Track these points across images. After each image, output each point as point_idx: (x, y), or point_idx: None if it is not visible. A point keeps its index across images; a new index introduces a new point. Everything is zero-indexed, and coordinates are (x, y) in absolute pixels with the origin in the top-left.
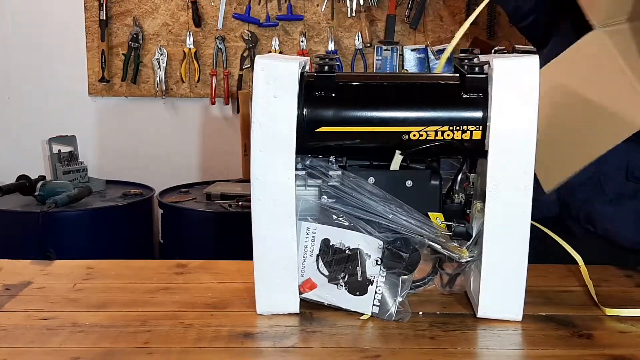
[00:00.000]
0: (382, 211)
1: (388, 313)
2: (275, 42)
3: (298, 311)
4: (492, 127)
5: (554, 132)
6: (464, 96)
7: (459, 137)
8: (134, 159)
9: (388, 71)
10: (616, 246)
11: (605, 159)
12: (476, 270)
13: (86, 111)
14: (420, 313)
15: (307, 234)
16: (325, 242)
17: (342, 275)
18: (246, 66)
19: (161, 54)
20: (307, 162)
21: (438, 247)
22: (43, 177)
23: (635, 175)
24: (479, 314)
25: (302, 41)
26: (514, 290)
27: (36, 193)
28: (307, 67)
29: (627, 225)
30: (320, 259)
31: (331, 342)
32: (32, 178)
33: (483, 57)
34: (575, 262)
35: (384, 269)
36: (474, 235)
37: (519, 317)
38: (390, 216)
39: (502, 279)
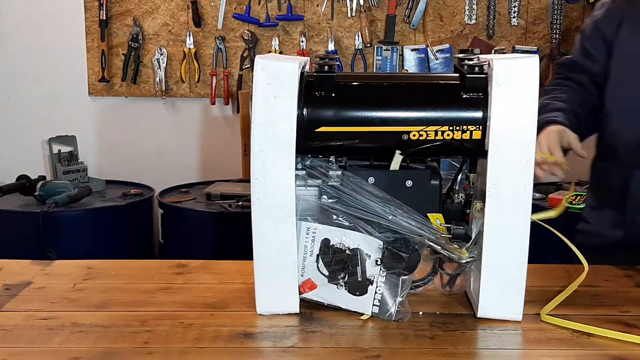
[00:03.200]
0: (381, 212)
1: (388, 313)
2: (275, 42)
3: (298, 311)
4: (492, 127)
5: None
6: (464, 96)
7: (459, 137)
8: (134, 159)
9: (388, 71)
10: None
11: None
12: (476, 270)
13: (86, 111)
14: (420, 313)
15: (307, 234)
16: (325, 242)
17: (342, 275)
18: (246, 66)
19: (161, 54)
20: (307, 162)
21: (438, 247)
22: (43, 177)
23: None
24: (479, 314)
25: (302, 41)
26: (514, 290)
27: (36, 193)
28: (307, 67)
29: None
30: (320, 259)
31: (331, 342)
32: (32, 178)
33: (483, 57)
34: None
35: (383, 269)
36: (473, 236)
37: (519, 317)
38: (390, 217)
39: (502, 278)
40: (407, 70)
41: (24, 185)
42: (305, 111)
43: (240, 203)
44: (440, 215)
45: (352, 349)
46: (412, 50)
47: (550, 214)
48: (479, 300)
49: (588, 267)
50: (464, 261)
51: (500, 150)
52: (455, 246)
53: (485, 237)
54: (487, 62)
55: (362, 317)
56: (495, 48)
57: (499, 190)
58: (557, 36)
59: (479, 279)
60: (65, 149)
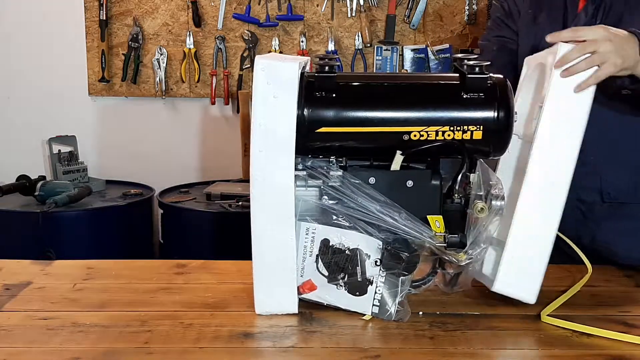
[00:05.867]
0: (381, 216)
1: (388, 313)
2: (275, 42)
3: (297, 311)
4: (546, 109)
5: None
6: (464, 96)
7: (460, 137)
8: (134, 159)
9: (388, 71)
10: (616, 265)
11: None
12: (498, 248)
13: (86, 111)
14: (420, 313)
15: (307, 234)
16: (325, 242)
17: (341, 275)
18: (246, 66)
19: (161, 54)
20: (309, 163)
21: (437, 251)
22: (43, 177)
23: (611, 196)
24: (495, 287)
25: (302, 41)
26: (534, 272)
27: (36, 193)
28: (307, 67)
29: (620, 244)
30: (319, 260)
31: (331, 342)
32: (32, 178)
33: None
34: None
35: (383, 270)
36: (471, 238)
37: (533, 299)
38: (390, 221)
39: (525, 257)
40: (406, 70)
41: (24, 185)
42: (305, 111)
43: (240, 203)
44: (440, 217)
45: (352, 349)
46: (412, 50)
47: None
48: (498, 273)
49: (591, 269)
50: (463, 264)
51: (550, 131)
52: (453, 251)
53: (518, 213)
54: (489, 62)
55: (364, 318)
56: None
57: (541, 172)
58: None
59: (495, 255)
60: (65, 149)
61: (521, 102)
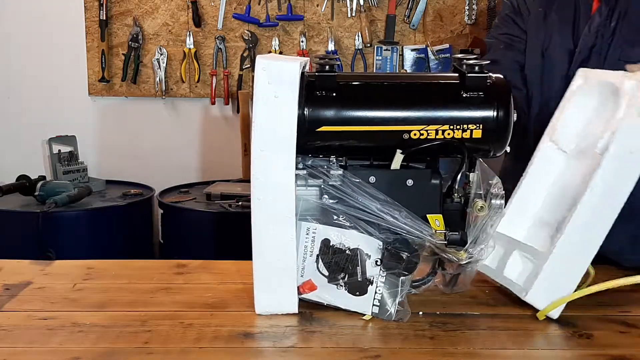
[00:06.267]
0: (381, 214)
1: (388, 313)
2: (275, 42)
3: (297, 311)
4: (619, 134)
5: None
6: (464, 95)
7: (460, 136)
8: (134, 159)
9: (388, 71)
10: (618, 267)
11: None
12: (532, 258)
13: (86, 111)
14: (420, 313)
15: (307, 234)
16: (325, 242)
17: (342, 275)
18: (246, 66)
19: (161, 54)
20: (309, 162)
21: (437, 250)
22: (43, 177)
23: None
24: (527, 298)
25: (302, 41)
26: (566, 287)
27: (36, 193)
28: (307, 67)
29: (630, 250)
30: (320, 259)
31: (331, 342)
32: (32, 178)
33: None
34: None
35: (383, 270)
36: (472, 237)
37: (556, 315)
38: (390, 219)
39: (564, 272)
40: (406, 70)
41: (24, 185)
42: (306, 111)
43: (240, 203)
44: (440, 216)
45: (352, 349)
46: (412, 50)
47: None
48: (533, 285)
49: (594, 272)
50: (463, 262)
51: (619, 159)
52: (453, 250)
53: (568, 230)
54: (488, 62)
55: (364, 318)
56: None
57: (601, 195)
58: None
59: (530, 266)
60: (65, 149)
61: (572, 114)
